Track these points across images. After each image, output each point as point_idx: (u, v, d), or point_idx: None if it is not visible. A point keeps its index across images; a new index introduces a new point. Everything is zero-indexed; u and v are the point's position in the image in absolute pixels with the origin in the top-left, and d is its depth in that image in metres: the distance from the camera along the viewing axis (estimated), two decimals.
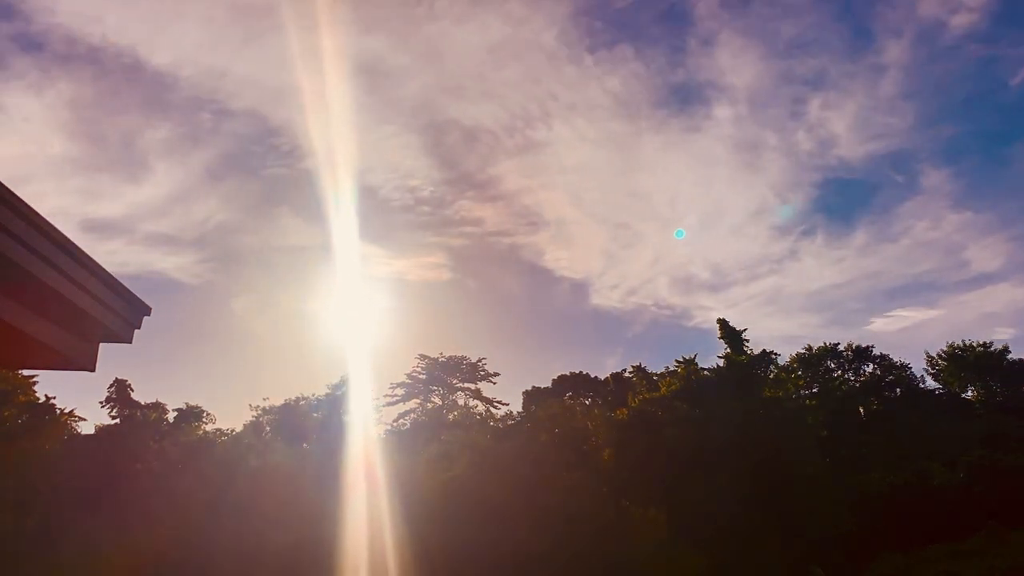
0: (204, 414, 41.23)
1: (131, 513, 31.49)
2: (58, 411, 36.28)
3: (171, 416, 40.60)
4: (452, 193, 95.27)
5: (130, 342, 4.79)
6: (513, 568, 29.67)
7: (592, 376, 59.59)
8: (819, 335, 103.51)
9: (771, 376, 38.47)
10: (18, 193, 3.43)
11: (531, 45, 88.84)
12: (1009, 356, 52.60)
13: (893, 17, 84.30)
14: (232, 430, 41.81)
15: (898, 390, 51.57)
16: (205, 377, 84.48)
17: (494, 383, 61.09)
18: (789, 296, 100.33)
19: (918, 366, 58.66)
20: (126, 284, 4.46)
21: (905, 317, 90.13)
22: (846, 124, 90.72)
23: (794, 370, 45.78)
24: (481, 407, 58.15)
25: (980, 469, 34.44)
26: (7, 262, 3.49)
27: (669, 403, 35.42)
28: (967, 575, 27.15)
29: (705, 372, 36.95)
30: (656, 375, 45.88)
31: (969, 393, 53.88)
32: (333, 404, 40.92)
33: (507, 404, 59.50)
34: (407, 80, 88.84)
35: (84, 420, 38.59)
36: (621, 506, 33.45)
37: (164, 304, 72.23)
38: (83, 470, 33.47)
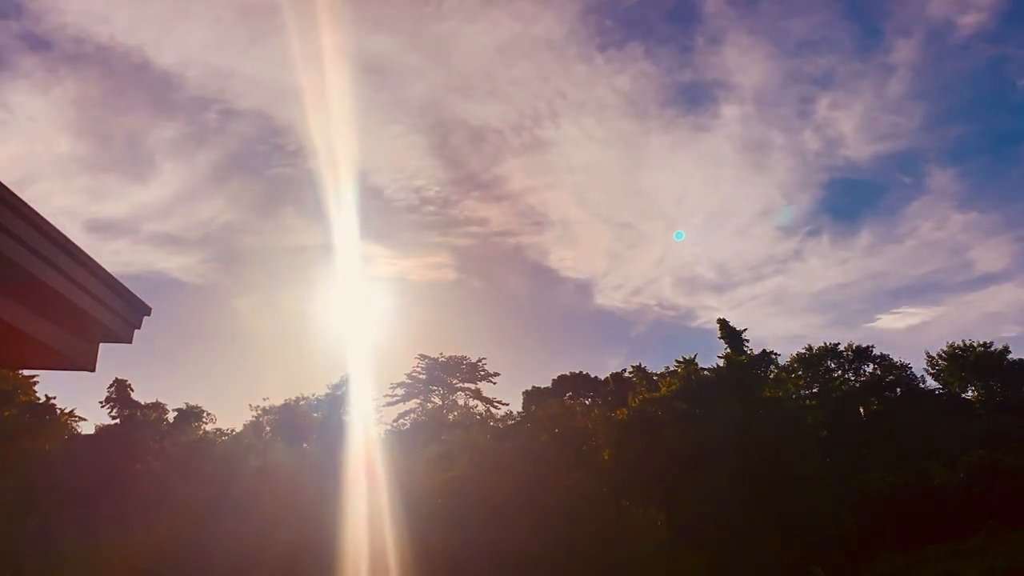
0: (204, 414, 41.21)
1: (131, 513, 31.49)
2: (58, 411, 36.27)
3: (171, 416, 40.56)
4: (458, 193, 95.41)
5: (130, 342, 4.80)
6: (513, 568, 29.67)
7: (592, 376, 59.65)
8: (823, 335, 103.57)
9: (771, 376, 38.47)
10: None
11: (541, 43, 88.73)
12: (1009, 356, 52.69)
13: (902, 16, 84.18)
14: (232, 430, 41.83)
15: (898, 390, 51.60)
16: (205, 377, 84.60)
17: (494, 383, 61.22)
18: (794, 296, 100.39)
19: (919, 366, 58.69)
20: (129, 284, 4.47)
21: (913, 314, 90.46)
22: (854, 124, 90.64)
23: (794, 370, 45.79)
24: (481, 407, 58.24)
25: (980, 469, 34.44)
26: (7, 262, 3.49)
27: (669, 403, 35.41)
28: (967, 575, 27.16)
29: (705, 372, 36.94)
30: (656, 375, 45.87)
31: (969, 393, 53.92)
32: (333, 404, 40.92)
33: (507, 404, 59.62)
34: (414, 79, 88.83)
35: (84, 420, 38.58)
36: (621, 506, 33.45)
37: (167, 304, 72.39)
38: (83, 470, 33.46)
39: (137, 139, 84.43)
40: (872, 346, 52.53)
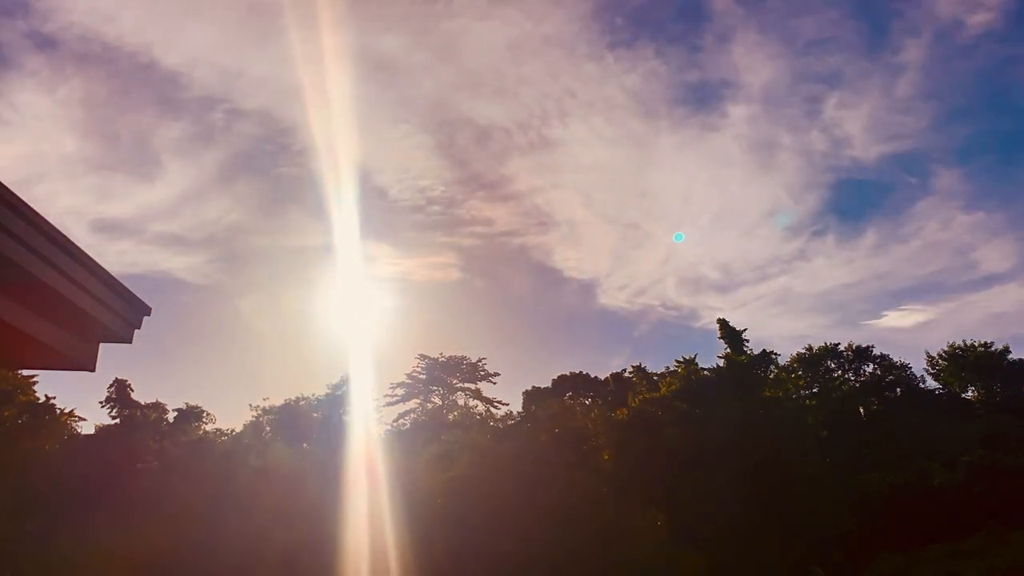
0: (204, 414, 41.26)
1: (131, 513, 31.48)
2: (58, 411, 36.28)
3: (171, 416, 40.61)
4: (463, 193, 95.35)
5: (130, 342, 4.80)
6: (513, 568, 29.67)
7: (592, 376, 59.65)
8: (828, 336, 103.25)
9: (771, 376, 38.48)
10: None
11: (551, 41, 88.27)
12: (1009, 356, 52.70)
13: (911, 15, 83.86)
14: (232, 430, 41.87)
15: (898, 390, 51.65)
16: (206, 377, 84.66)
17: (494, 383, 61.23)
18: (798, 296, 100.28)
19: (919, 366, 58.66)
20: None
21: (920, 310, 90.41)
22: (861, 124, 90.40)
23: (794, 370, 45.81)
24: (481, 407, 58.24)
25: (980, 469, 34.44)
26: (7, 262, 3.50)
27: (669, 403, 35.41)
28: (967, 575, 27.16)
29: (705, 372, 36.95)
30: (656, 375, 45.89)
31: (969, 393, 53.96)
32: (333, 404, 40.94)
33: (507, 404, 59.62)
34: (422, 78, 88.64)
35: (84, 420, 38.62)
36: (621, 506, 33.43)
37: (170, 305, 72.50)
38: (83, 470, 33.47)
39: (143, 139, 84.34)
40: (872, 346, 52.62)
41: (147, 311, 4.81)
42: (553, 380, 59.47)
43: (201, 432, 40.46)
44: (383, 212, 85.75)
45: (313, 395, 42.20)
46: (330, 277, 61.22)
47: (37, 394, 35.64)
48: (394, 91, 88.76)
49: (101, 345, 4.76)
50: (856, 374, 52.12)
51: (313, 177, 76.58)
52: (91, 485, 32.70)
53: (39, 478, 32.06)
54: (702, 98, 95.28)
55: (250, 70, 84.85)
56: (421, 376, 60.12)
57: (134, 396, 39.34)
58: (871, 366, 52.27)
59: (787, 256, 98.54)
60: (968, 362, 53.34)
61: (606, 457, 35.59)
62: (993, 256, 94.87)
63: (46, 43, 76.52)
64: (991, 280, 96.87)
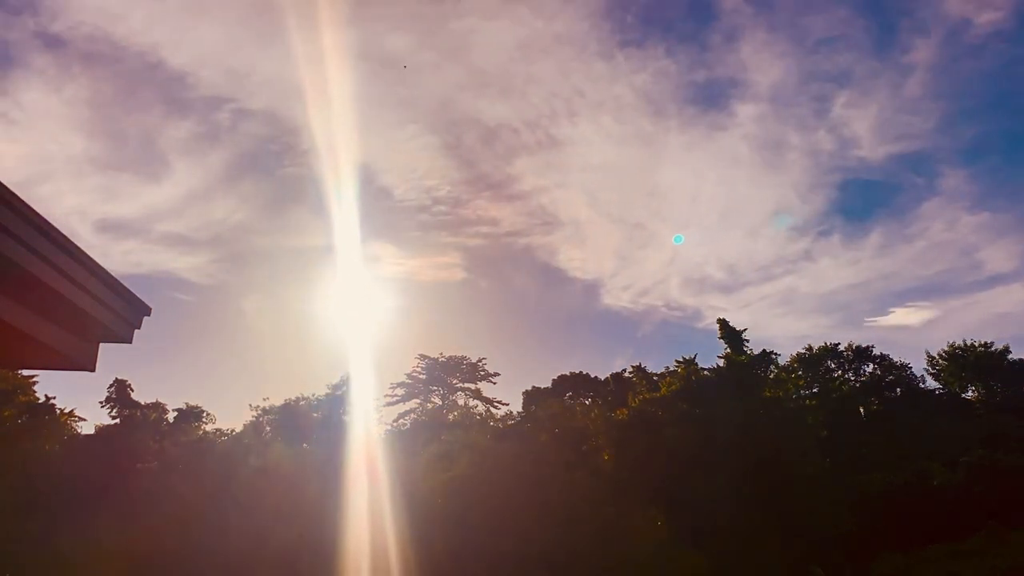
0: (204, 414, 41.25)
1: (131, 513, 31.49)
2: (58, 411, 36.29)
3: (171, 416, 40.60)
4: (469, 192, 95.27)
5: (130, 342, 4.80)
6: (513, 568, 29.68)
7: (592, 376, 59.64)
8: (832, 336, 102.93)
9: (771, 376, 38.50)
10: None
11: (561, 39, 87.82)
12: (1009, 356, 52.69)
13: (921, 15, 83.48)
14: (232, 430, 41.85)
15: (898, 390, 51.62)
16: (207, 377, 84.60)
17: (494, 383, 61.32)
18: (803, 297, 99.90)
19: (919, 366, 58.62)
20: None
21: (925, 307, 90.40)
22: (868, 124, 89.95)
23: (794, 370, 45.80)
24: (481, 407, 58.27)
25: (980, 469, 34.44)
26: (7, 262, 3.50)
27: (669, 403, 35.41)
28: (967, 575, 27.17)
29: (705, 372, 36.96)
30: (656, 375, 45.87)
31: (969, 393, 53.94)
32: (333, 404, 40.94)
33: (507, 404, 59.67)
34: (430, 77, 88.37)
35: (84, 420, 38.64)
36: (621, 506, 33.42)
37: (174, 305, 72.51)
38: (83, 470, 33.46)
39: (150, 139, 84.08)
40: (872, 346, 52.58)
41: (147, 311, 4.81)
42: (553, 380, 59.49)
43: (201, 432, 40.44)
44: (388, 212, 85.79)
45: (313, 395, 42.22)
46: (334, 277, 61.16)
47: (37, 394, 35.70)
48: (402, 90, 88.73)
49: (101, 345, 4.76)
50: (856, 374, 52.10)
51: (319, 177, 76.20)
52: (91, 485, 32.70)
53: (39, 478, 32.06)
54: (710, 97, 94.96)
55: (257, 70, 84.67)
56: (421, 376, 60.19)
57: (134, 396, 39.35)
58: (871, 366, 52.25)
59: (792, 256, 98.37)
60: (968, 362, 53.33)
61: (606, 457, 35.59)
62: (998, 256, 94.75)
63: (53, 42, 76.45)
64: (995, 280, 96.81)
